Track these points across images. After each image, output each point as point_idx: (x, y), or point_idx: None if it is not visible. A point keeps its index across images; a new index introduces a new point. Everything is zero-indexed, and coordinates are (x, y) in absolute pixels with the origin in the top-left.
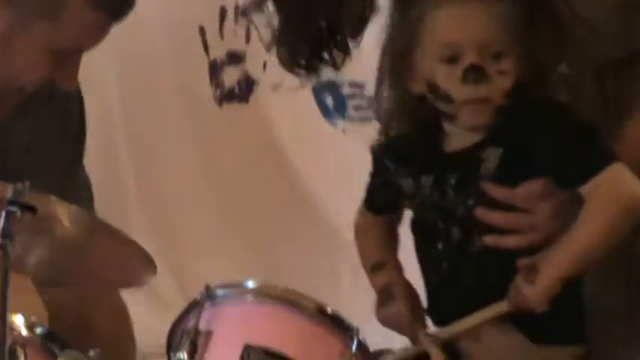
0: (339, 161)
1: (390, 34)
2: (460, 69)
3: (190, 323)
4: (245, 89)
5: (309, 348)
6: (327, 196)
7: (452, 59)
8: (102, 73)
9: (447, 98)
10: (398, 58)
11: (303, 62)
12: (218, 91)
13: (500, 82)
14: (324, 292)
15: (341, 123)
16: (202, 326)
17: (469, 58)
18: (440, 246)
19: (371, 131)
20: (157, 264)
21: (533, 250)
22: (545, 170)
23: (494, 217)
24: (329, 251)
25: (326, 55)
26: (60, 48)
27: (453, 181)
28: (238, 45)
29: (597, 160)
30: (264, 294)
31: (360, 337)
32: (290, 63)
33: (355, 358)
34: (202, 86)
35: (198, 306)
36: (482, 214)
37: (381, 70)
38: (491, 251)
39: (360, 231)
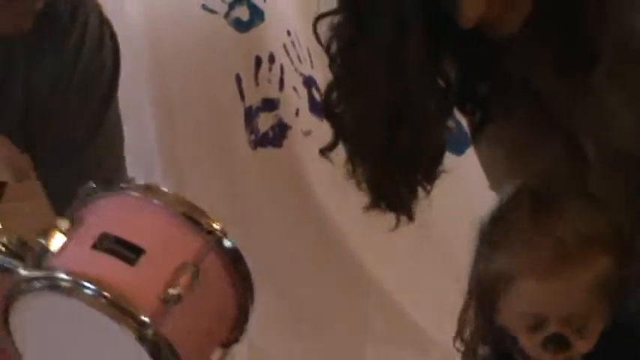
0: None
1: (478, 271)
2: (541, 336)
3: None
4: (279, 134)
5: (164, 241)
6: (357, 240)
7: (534, 327)
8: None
9: (524, 355)
10: (486, 292)
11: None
12: (252, 136)
13: (581, 346)
14: (350, 329)
15: None
16: (76, 217)
17: (552, 329)
18: None
19: None
20: None
21: None
22: None
23: None
24: (356, 292)
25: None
26: None
27: None
28: (272, 92)
29: None
30: (131, 189)
31: (221, 231)
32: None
33: (215, 253)
34: (237, 131)
35: (77, 200)
36: None
37: (469, 293)
38: None
39: None
